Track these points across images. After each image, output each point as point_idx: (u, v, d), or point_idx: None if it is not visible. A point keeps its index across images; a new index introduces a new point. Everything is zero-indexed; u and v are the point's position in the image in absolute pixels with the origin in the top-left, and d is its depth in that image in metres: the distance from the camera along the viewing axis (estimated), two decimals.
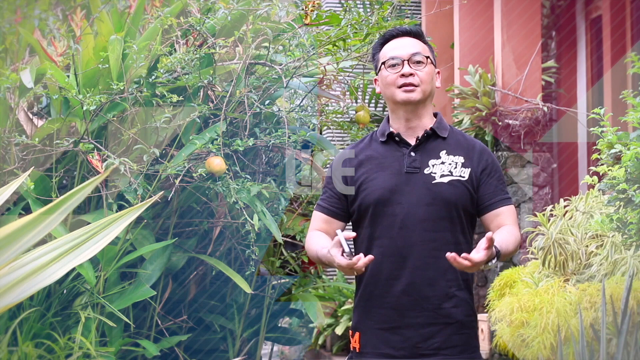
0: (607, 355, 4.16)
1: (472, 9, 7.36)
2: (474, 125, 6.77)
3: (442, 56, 7.47)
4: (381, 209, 2.88)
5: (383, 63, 2.94)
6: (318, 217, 3.00)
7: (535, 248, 4.98)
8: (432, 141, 2.94)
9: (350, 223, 3.02)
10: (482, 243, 2.66)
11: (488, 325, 5.87)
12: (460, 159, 2.90)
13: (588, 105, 7.54)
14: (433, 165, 2.90)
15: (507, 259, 2.88)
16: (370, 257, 2.70)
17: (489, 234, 2.66)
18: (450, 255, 2.64)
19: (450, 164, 2.90)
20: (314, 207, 3.09)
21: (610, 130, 4.04)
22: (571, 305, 4.61)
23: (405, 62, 2.90)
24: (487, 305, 5.49)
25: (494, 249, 2.71)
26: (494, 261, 2.72)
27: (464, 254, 2.64)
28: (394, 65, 2.91)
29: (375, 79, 3.01)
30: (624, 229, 4.14)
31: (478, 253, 2.66)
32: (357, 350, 2.93)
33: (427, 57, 2.93)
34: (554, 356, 4.57)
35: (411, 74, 2.89)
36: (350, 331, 2.99)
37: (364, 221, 2.92)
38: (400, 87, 2.90)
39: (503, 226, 2.88)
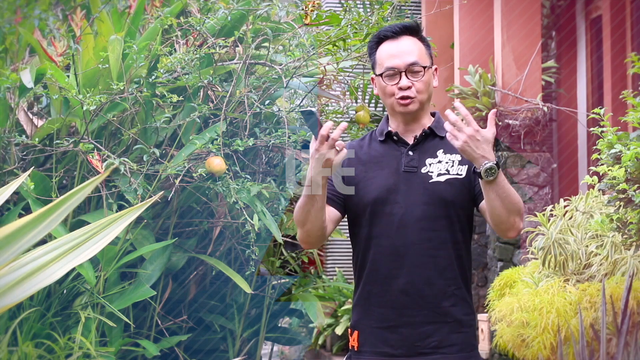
0: (607, 355, 4.16)
1: (472, 9, 7.37)
2: None
3: (442, 56, 7.47)
4: (379, 208, 2.88)
5: (380, 74, 2.92)
6: None
7: (535, 248, 4.99)
8: (429, 140, 2.94)
9: (348, 223, 3.01)
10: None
11: (488, 325, 5.87)
12: (457, 157, 2.90)
13: (588, 105, 7.54)
14: (430, 164, 2.90)
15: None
16: (344, 124, 2.70)
17: (492, 111, 2.65)
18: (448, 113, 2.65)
19: (447, 162, 2.90)
20: None
21: (610, 130, 4.04)
22: (571, 305, 4.61)
23: (403, 74, 2.89)
24: (487, 305, 5.49)
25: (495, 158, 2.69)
26: (490, 163, 2.65)
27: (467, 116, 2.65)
28: (391, 76, 2.90)
29: (372, 78, 3.00)
30: (624, 229, 4.14)
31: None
32: (356, 349, 2.94)
33: (425, 67, 2.90)
34: (554, 356, 4.57)
35: (409, 87, 2.88)
36: (349, 329, 2.99)
37: (362, 220, 2.91)
38: (398, 98, 2.90)
39: None
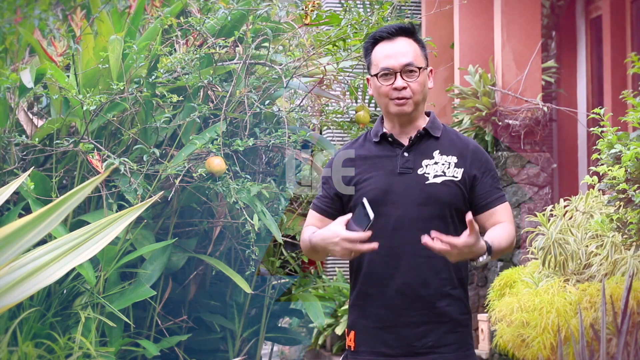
0: (607, 355, 4.16)
1: (472, 9, 7.37)
2: (474, 125, 6.77)
3: (442, 56, 7.47)
4: (375, 210, 2.88)
5: (375, 75, 2.92)
6: (313, 215, 3.02)
7: (535, 248, 4.99)
8: (425, 141, 2.94)
9: None
10: (466, 232, 2.67)
11: (488, 325, 5.87)
12: (453, 159, 2.91)
13: (588, 105, 7.55)
14: (426, 166, 2.90)
15: (503, 256, 2.89)
16: (374, 245, 2.71)
17: (468, 215, 2.66)
18: (425, 239, 2.65)
19: (443, 164, 2.90)
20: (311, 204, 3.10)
21: (610, 130, 4.04)
22: (571, 305, 4.61)
23: (398, 75, 2.88)
24: (487, 305, 5.49)
25: (484, 242, 2.71)
26: (485, 257, 2.73)
27: (444, 237, 2.65)
28: (386, 76, 2.90)
29: (368, 79, 3.01)
30: (624, 229, 4.15)
31: (460, 238, 2.66)
32: (353, 349, 2.94)
33: (420, 68, 2.90)
34: (554, 356, 4.57)
35: (404, 87, 2.88)
36: (346, 329, 2.99)
37: None
38: (393, 99, 2.90)
39: (498, 224, 2.89)
